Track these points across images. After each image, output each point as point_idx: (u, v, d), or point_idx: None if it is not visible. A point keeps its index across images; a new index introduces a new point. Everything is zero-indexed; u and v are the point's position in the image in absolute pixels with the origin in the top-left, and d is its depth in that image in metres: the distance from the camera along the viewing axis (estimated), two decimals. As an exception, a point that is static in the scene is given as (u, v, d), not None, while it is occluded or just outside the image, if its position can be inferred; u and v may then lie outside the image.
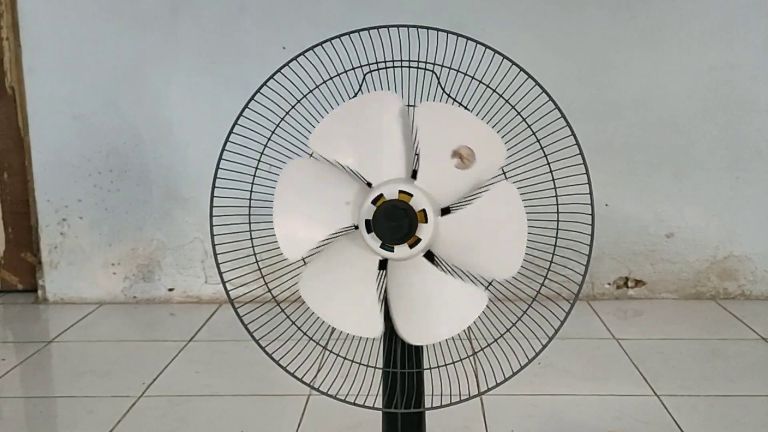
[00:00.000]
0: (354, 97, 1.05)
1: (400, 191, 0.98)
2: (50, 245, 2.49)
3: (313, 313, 1.07)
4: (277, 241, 1.05)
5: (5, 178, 2.52)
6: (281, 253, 1.06)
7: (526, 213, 0.99)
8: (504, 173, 1.04)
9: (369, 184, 1.02)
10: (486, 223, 0.99)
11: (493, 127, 1.01)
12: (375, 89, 1.05)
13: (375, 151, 1.01)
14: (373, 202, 0.98)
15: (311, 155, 1.06)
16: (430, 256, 1.03)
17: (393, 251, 0.99)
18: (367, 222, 0.98)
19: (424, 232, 0.98)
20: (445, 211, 1.03)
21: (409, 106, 1.02)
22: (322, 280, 1.05)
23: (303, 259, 1.06)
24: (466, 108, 1.02)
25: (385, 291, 1.05)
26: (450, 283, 1.03)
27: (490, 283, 1.06)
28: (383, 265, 1.04)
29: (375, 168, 1.01)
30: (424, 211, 0.98)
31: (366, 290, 1.03)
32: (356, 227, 1.02)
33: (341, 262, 1.04)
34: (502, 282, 1.04)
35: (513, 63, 1.03)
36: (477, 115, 1.03)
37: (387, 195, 0.98)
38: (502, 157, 0.98)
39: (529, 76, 1.02)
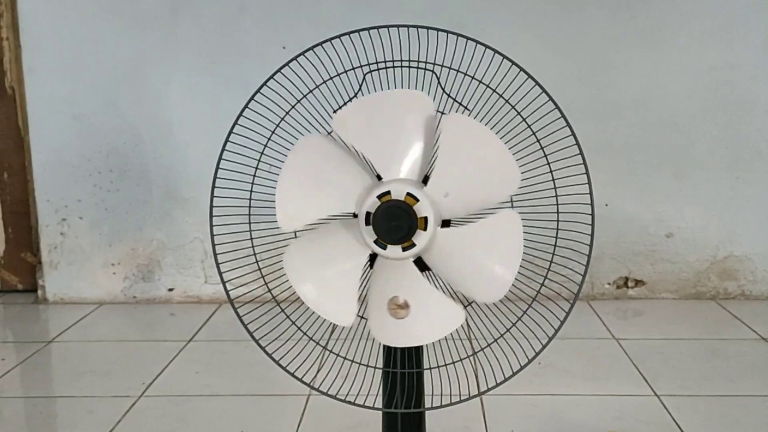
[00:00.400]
0: (355, 95, 1.05)
1: (408, 193, 0.98)
2: (50, 245, 2.49)
3: (312, 313, 1.07)
4: (277, 241, 1.05)
5: (5, 178, 2.52)
6: (281, 253, 1.06)
7: (527, 212, 0.99)
8: (441, 112, 1.04)
9: (379, 177, 1.02)
10: (482, 246, 0.99)
11: (492, 128, 1.01)
12: (375, 89, 1.05)
13: (393, 147, 1.01)
14: (379, 197, 0.98)
15: (330, 133, 1.06)
16: (418, 263, 1.03)
17: (386, 249, 0.99)
18: (368, 214, 0.98)
19: (420, 239, 0.98)
20: (446, 223, 1.03)
21: (438, 112, 1.02)
22: (308, 257, 1.04)
23: (295, 233, 1.06)
24: (465, 108, 1.02)
25: (368, 286, 1.05)
26: (432, 293, 1.02)
27: (470, 303, 1.06)
28: (371, 259, 1.04)
29: (389, 163, 1.01)
30: (425, 218, 0.98)
31: (349, 279, 1.03)
32: (355, 216, 1.02)
33: (332, 245, 1.04)
34: (481, 305, 1.04)
35: (513, 63, 1.03)
36: (477, 115, 1.03)
37: (394, 193, 0.98)
38: (515, 185, 0.98)
39: (529, 76, 1.02)
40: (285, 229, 1.04)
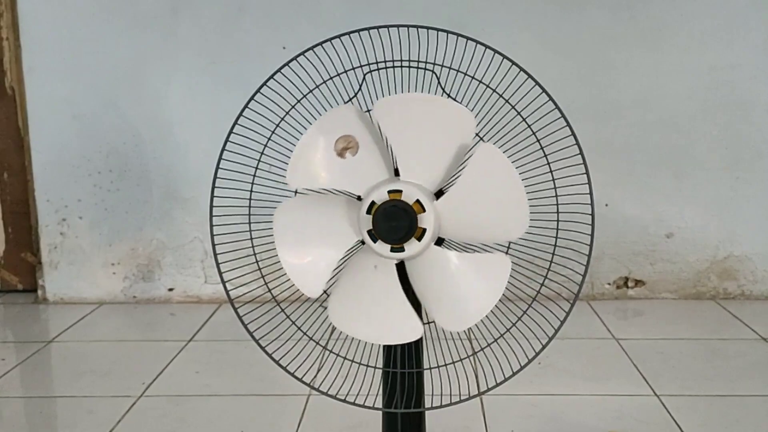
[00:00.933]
0: (355, 95, 1.05)
1: (389, 191, 0.98)
2: (50, 245, 2.49)
3: (312, 313, 1.08)
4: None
5: (5, 178, 2.52)
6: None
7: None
8: (480, 137, 1.04)
9: (359, 198, 1.03)
10: (481, 188, 0.98)
11: (492, 128, 1.01)
12: (375, 89, 1.05)
13: (421, 150, 1.01)
14: (368, 211, 0.98)
15: (296, 192, 1.06)
16: (398, 266, 1.03)
17: (404, 250, 0.99)
18: (372, 204, 0.98)
19: (425, 221, 0.98)
20: (439, 194, 1.03)
21: (476, 135, 1.02)
22: (298, 221, 1.04)
23: (325, 291, 1.06)
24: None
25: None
26: (400, 302, 1.02)
27: (508, 248, 1.06)
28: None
29: (411, 163, 1.01)
30: (418, 201, 0.98)
31: (331, 256, 1.03)
32: (359, 198, 1.02)
33: (326, 217, 1.04)
34: (517, 242, 1.03)
35: (513, 63, 1.02)
36: (476, 115, 1.03)
37: (378, 200, 0.98)
38: (520, 233, 0.98)
39: (529, 76, 1.02)
40: (314, 296, 1.04)
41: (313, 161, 1.03)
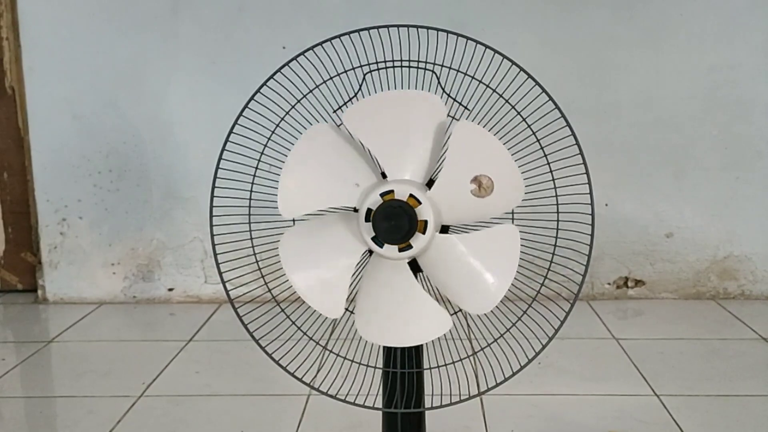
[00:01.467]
0: (355, 95, 1.05)
1: (411, 195, 0.98)
2: (50, 245, 2.49)
3: (312, 313, 1.07)
4: (277, 241, 1.05)
5: (5, 177, 2.52)
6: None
7: (526, 213, 0.99)
8: (454, 118, 1.04)
9: (384, 176, 1.02)
10: (477, 257, 0.99)
11: (492, 128, 1.01)
12: (374, 89, 1.05)
13: (401, 147, 1.01)
14: (382, 195, 0.98)
15: (340, 126, 1.06)
16: (412, 264, 1.03)
17: (382, 247, 0.99)
18: (368, 211, 0.98)
19: (418, 241, 0.98)
20: (444, 229, 1.03)
21: (449, 116, 1.02)
22: (304, 247, 1.04)
23: (293, 220, 1.06)
24: (465, 108, 1.02)
25: (359, 282, 1.05)
26: (422, 297, 1.02)
27: (457, 312, 1.06)
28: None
29: (395, 163, 1.01)
30: (425, 222, 0.98)
31: (342, 273, 1.03)
32: (356, 210, 1.02)
33: (329, 237, 1.04)
34: (468, 315, 1.04)
35: (513, 63, 1.03)
36: (476, 115, 1.03)
37: (397, 193, 0.98)
38: (519, 199, 0.98)
39: (529, 76, 1.02)
40: (285, 215, 1.04)
41: (301, 187, 1.03)
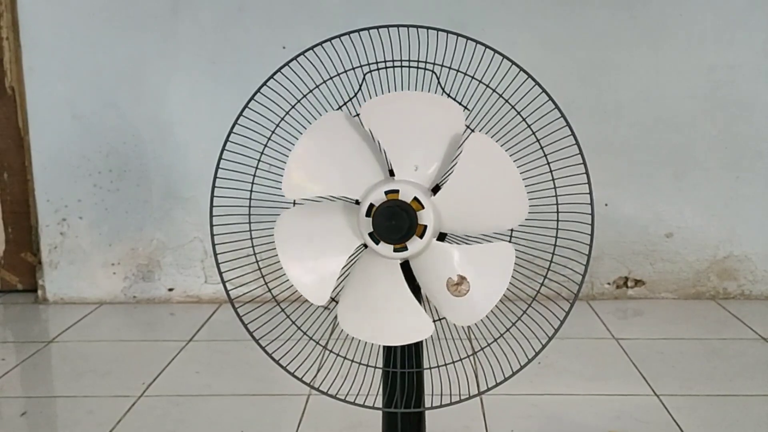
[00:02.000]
0: (354, 96, 1.05)
1: (415, 198, 0.98)
2: (50, 245, 2.49)
3: (313, 313, 1.08)
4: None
5: (5, 178, 2.52)
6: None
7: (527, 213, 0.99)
8: (471, 129, 1.04)
9: (391, 174, 1.03)
10: (476, 178, 0.98)
11: (492, 128, 1.01)
12: (375, 89, 1.05)
13: (413, 148, 1.01)
14: (367, 214, 0.99)
15: (294, 203, 1.06)
16: (404, 266, 1.03)
17: (378, 245, 0.99)
18: (370, 206, 0.98)
19: (425, 217, 0.98)
20: (441, 237, 1.03)
21: (466, 126, 1.02)
22: (300, 229, 1.04)
23: (332, 299, 1.06)
24: (465, 108, 1.02)
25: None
26: (408, 300, 1.02)
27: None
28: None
29: (404, 162, 1.01)
30: (416, 198, 0.98)
31: (334, 262, 1.03)
32: (357, 203, 1.02)
33: (327, 225, 1.03)
34: (517, 241, 1.03)
35: (513, 63, 1.03)
36: (476, 115, 1.03)
37: (402, 194, 0.98)
38: (520, 220, 0.97)
39: (529, 76, 1.02)
40: (288, 196, 1.04)
41: (308, 170, 1.03)
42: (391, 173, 1.03)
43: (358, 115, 1.03)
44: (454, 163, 1.00)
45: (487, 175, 0.98)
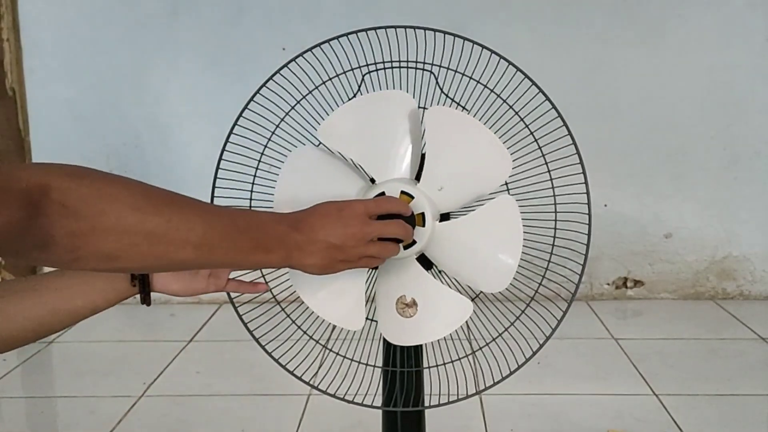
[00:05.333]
0: (354, 96, 1.05)
1: (402, 192, 0.98)
2: (51, 246, 2.49)
3: (312, 312, 1.08)
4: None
5: (6, 179, 2.53)
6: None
7: (525, 213, 0.99)
8: (507, 186, 1.04)
9: (372, 181, 1.03)
10: (482, 235, 0.99)
11: (491, 128, 1.01)
12: (374, 90, 1.05)
13: (381, 149, 1.01)
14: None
15: (318, 145, 1.06)
16: (422, 260, 1.03)
17: (416, 243, 0.98)
18: None
19: (420, 235, 0.98)
20: (444, 217, 1.03)
21: (420, 108, 1.02)
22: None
23: (368, 318, 1.06)
24: (464, 108, 1.02)
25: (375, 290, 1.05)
26: (438, 289, 1.02)
27: (477, 295, 1.06)
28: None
29: (379, 165, 1.01)
30: (422, 214, 0.98)
31: (355, 283, 1.03)
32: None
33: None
34: (488, 296, 1.03)
35: (511, 64, 1.03)
36: (475, 115, 1.04)
37: (388, 193, 0.98)
38: (507, 171, 0.97)
39: (526, 77, 1.03)
40: (319, 136, 1.04)
41: (351, 126, 1.01)
42: (372, 181, 1.03)
43: (424, 108, 1.02)
44: (423, 145, 1.00)
45: (456, 141, 0.98)
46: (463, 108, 1.02)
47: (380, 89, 1.05)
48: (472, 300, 1.04)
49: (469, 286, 1.03)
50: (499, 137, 1.01)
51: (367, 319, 1.04)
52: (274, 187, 1.06)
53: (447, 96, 1.02)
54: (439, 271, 1.06)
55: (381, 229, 0.89)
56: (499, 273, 0.99)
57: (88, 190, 0.68)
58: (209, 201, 1.10)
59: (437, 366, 1.13)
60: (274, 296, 1.12)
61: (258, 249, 0.81)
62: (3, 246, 0.63)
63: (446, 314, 1.02)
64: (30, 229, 0.63)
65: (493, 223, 0.99)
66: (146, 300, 1.06)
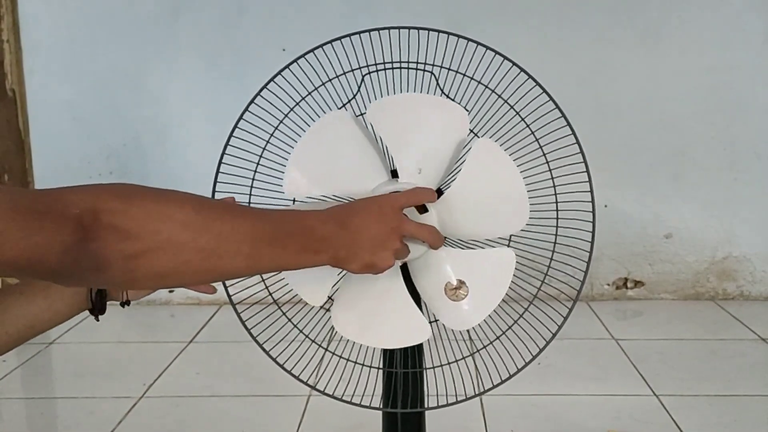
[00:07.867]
0: (353, 97, 1.05)
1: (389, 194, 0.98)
2: (51, 247, 2.49)
3: (312, 313, 1.08)
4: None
5: (6, 180, 2.53)
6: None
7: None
8: (475, 134, 1.03)
9: (394, 174, 1.02)
10: (480, 184, 0.98)
11: (491, 129, 1.01)
12: (374, 90, 1.05)
13: (417, 150, 1.00)
14: None
15: (294, 201, 1.06)
16: (403, 268, 1.02)
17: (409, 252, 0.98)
18: None
19: (428, 221, 0.97)
20: (440, 193, 1.02)
21: (471, 132, 1.02)
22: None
23: (330, 298, 1.05)
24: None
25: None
26: (406, 302, 1.01)
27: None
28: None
29: (408, 164, 1.00)
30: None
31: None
32: None
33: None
34: (517, 242, 1.03)
35: (513, 63, 1.03)
36: (475, 116, 1.04)
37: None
38: (521, 226, 0.96)
39: (529, 76, 1.03)
40: (287, 193, 1.03)
41: (309, 170, 1.03)
42: (394, 174, 1.02)
43: (361, 114, 1.03)
44: (458, 168, 0.99)
45: (491, 180, 0.97)
46: (464, 108, 1.02)
47: (381, 90, 1.05)
48: (508, 245, 1.01)
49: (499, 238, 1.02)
50: (500, 137, 1.01)
51: (329, 298, 1.04)
52: (274, 189, 1.05)
53: (447, 96, 1.02)
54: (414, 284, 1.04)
55: (415, 230, 0.90)
56: (463, 317, 0.99)
57: (139, 211, 0.67)
58: (209, 202, 1.10)
59: (436, 367, 1.13)
60: (274, 300, 1.11)
61: (306, 251, 0.81)
62: (60, 272, 0.64)
63: (403, 329, 1.02)
64: (85, 253, 0.64)
65: (483, 270, 1.00)
66: (101, 311, 1.08)
